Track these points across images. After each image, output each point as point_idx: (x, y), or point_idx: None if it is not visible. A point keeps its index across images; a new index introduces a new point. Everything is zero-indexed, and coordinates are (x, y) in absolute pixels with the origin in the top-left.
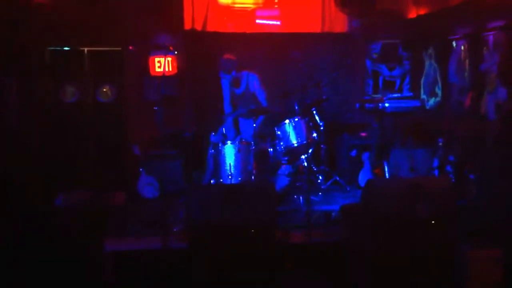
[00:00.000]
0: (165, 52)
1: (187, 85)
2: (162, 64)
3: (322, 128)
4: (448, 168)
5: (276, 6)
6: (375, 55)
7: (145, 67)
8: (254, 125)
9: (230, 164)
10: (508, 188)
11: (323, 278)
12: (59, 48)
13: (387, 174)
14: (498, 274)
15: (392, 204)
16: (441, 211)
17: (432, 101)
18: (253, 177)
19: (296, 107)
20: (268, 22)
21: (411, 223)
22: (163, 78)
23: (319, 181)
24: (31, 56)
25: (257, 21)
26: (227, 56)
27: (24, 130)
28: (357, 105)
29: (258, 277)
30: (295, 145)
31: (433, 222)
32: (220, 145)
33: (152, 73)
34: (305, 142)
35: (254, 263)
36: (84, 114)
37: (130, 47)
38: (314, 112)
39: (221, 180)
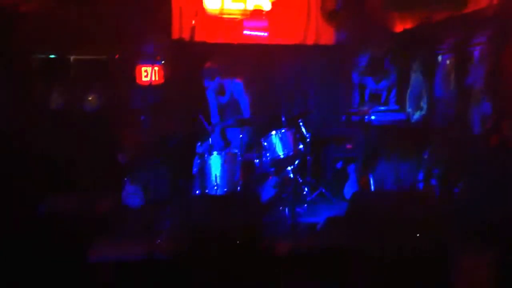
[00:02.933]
0: (152, 61)
1: (174, 95)
2: (149, 74)
3: (308, 139)
4: (433, 181)
5: (264, 17)
6: (361, 68)
7: (131, 76)
8: (241, 135)
9: (216, 175)
10: (492, 200)
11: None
12: (45, 56)
13: (372, 187)
14: (487, 279)
15: (376, 216)
16: (429, 219)
17: (417, 114)
18: (239, 188)
19: (283, 119)
20: (256, 33)
21: (398, 234)
22: (150, 87)
23: (304, 192)
24: (17, 63)
25: (245, 32)
26: (208, 65)
27: (12, 135)
28: (343, 117)
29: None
30: (282, 156)
31: (413, 236)
32: (206, 155)
33: (138, 82)
34: (291, 153)
35: (240, 274)
36: (70, 122)
37: (117, 56)
38: (301, 123)
39: (207, 190)
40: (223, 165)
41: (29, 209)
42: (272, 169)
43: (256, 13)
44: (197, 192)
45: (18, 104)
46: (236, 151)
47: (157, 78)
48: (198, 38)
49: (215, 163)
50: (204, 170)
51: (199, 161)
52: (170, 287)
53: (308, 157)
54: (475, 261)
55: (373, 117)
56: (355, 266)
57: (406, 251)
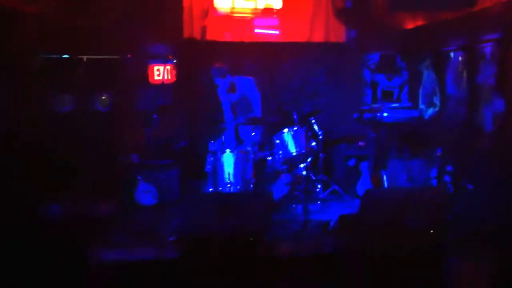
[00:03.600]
0: (164, 60)
1: (186, 93)
2: (161, 72)
3: (320, 137)
4: (446, 178)
5: (274, 15)
6: (373, 65)
7: (143, 76)
8: (253, 133)
9: (228, 172)
10: (501, 199)
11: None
12: (56, 56)
13: (385, 184)
14: (487, 280)
15: (388, 214)
16: (430, 222)
17: (430, 111)
18: (251, 186)
19: (295, 116)
20: (267, 32)
21: (403, 233)
22: (162, 86)
23: (317, 190)
24: (25, 64)
25: (256, 30)
26: (219, 63)
27: (16, 137)
28: (356, 114)
29: (252, 286)
30: (294, 154)
31: (423, 234)
32: (218, 153)
33: (151, 81)
34: (303, 151)
35: (248, 272)
36: (79, 122)
37: (129, 56)
38: (313, 121)
39: (220, 188)
40: (235, 163)
41: (31, 210)
42: (285, 167)
43: (267, 12)
44: (210, 189)
45: (20, 104)
46: (249, 149)
47: (169, 77)
48: (209, 36)
49: (228, 161)
50: (217, 168)
51: (212, 159)
52: (178, 287)
53: (321, 155)
54: (475, 262)
55: (385, 114)
56: (361, 265)
57: (408, 251)
